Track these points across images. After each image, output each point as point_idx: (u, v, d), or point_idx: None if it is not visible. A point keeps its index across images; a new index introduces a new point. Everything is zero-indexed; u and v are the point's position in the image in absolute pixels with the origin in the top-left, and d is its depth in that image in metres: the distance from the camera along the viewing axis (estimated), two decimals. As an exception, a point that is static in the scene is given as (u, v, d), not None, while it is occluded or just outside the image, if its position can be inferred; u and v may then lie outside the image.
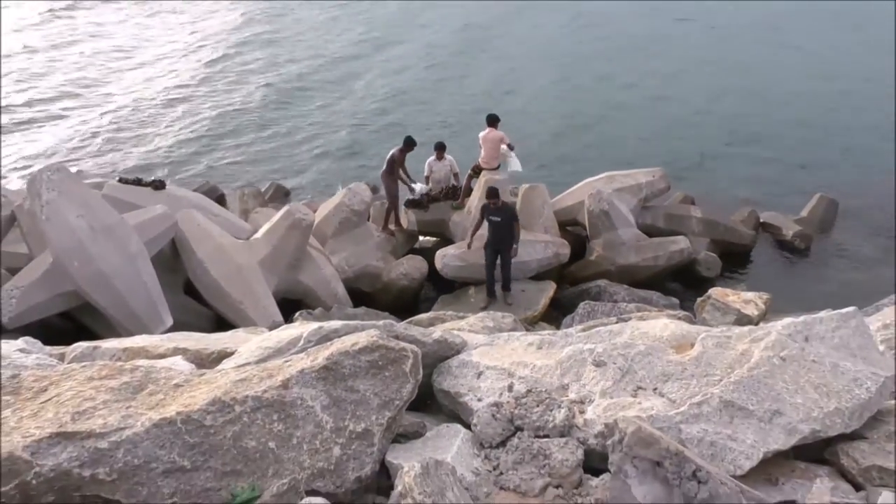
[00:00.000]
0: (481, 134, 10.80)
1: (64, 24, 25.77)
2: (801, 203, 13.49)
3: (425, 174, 11.28)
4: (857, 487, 3.21)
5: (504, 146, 10.80)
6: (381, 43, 24.22)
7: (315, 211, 10.56)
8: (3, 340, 4.19)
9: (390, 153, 10.78)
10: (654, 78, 20.73)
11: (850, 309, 3.91)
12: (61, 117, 17.81)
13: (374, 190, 12.16)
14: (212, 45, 23.68)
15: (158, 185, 10.10)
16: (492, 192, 9.14)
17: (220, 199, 12.82)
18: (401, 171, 10.82)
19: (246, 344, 4.07)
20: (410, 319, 7.01)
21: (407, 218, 11.22)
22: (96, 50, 23.14)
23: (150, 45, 23.72)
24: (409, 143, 10.72)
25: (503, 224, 9.22)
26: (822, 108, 18.54)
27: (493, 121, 10.83)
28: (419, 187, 11.07)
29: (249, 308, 8.44)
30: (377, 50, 23.58)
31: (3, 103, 18.17)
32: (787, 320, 3.81)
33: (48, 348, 4.47)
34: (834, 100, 19.07)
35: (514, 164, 10.96)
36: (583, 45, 23.95)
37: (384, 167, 10.84)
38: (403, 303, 9.90)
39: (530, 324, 8.76)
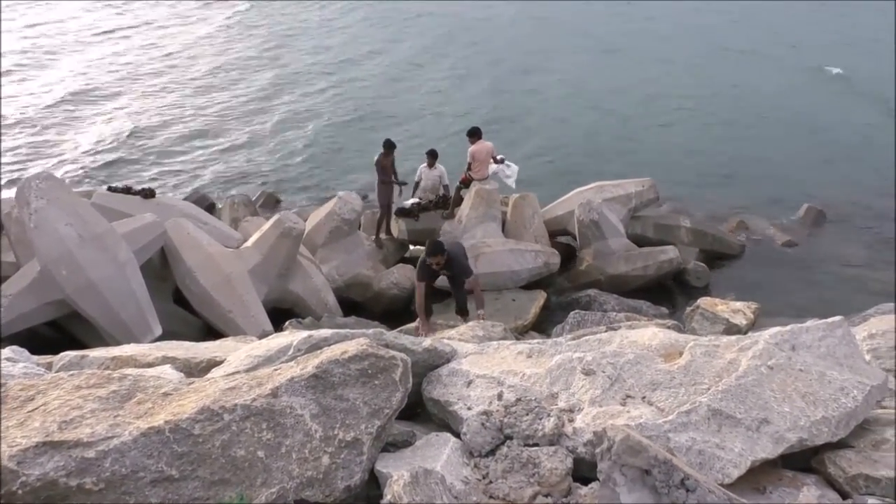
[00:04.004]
0: (471, 148, 10.79)
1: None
2: (790, 213, 13.65)
3: (416, 180, 11.31)
4: (844, 496, 3.23)
5: (493, 163, 10.85)
6: (371, 50, 24.40)
7: (305, 220, 10.55)
8: (-11, 349, 4.16)
9: (375, 161, 10.80)
10: (643, 87, 20.92)
11: (837, 318, 3.94)
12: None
13: (365, 198, 12.18)
14: (196, 51, 23.70)
15: (148, 193, 10.07)
16: (434, 249, 7.08)
17: (210, 208, 12.79)
18: (391, 174, 10.83)
19: (235, 353, 4.05)
20: (401, 328, 7.00)
21: (397, 227, 11.23)
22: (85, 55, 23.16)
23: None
24: (389, 146, 10.73)
25: (453, 281, 7.59)
26: (810, 118, 18.77)
27: (478, 133, 10.85)
28: (409, 202, 11.12)
29: (239, 317, 8.41)
30: (366, 56, 23.76)
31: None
32: (775, 329, 3.83)
33: (35, 357, 4.43)
34: (821, 109, 19.31)
35: (510, 183, 11.06)
36: (572, 54, 24.15)
37: (377, 177, 10.86)
38: (394, 312, 9.89)
39: (520, 333, 8.75)
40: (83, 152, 16.17)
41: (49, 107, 18.51)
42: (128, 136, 17.06)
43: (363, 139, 16.70)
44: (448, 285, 7.98)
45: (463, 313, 7.76)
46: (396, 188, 10.97)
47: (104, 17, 27.83)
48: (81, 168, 15.42)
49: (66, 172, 14.93)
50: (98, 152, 16.17)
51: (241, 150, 16.70)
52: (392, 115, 18.75)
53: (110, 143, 16.69)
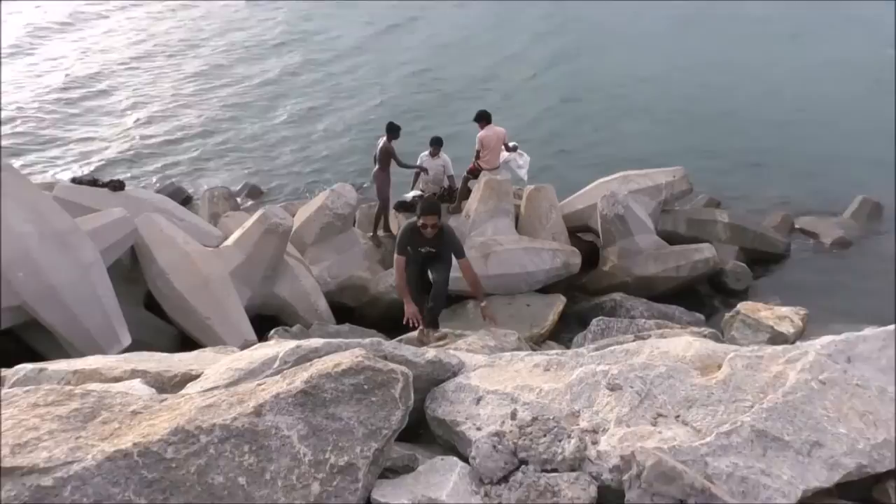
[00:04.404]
0: (480, 134, 10.76)
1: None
2: (842, 206, 13.56)
3: (416, 170, 11.35)
4: (909, 529, 3.20)
5: (505, 152, 10.83)
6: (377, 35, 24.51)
7: (293, 215, 10.56)
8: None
9: (379, 146, 10.78)
10: (676, 69, 20.87)
11: (899, 325, 3.91)
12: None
13: (360, 191, 12.21)
14: (187, 42, 23.88)
15: (117, 185, 10.08)
16: (430, 208, 6.71)
17: (187, 202, 12.83)
18: (398, 162, 10.81)
19: (214, 365, 4.05)
20: (401, 337, 6.99)
21: (397, 222, 11.23)
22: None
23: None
24: (393, 130, 10.69)
25: (437, 263, 7.13)
26: (865, 98, 18.65)
27: (487, 117, 10.79)
28: (410, 194, 11.13)
29: (218, 325, 8.43)
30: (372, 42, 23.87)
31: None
32: (827, 338, 3.80)
33: (-14, 371, 4.44)
34: (881, 88, 19.19)
35: (522, 175, 11.06)
36: (596, 34, 24.14)
37: (376, 165, 10.83)
38: (393, 318, 9.86)
39: (537, 342, 8.75)
40: (81, 142, 16.31)
41: (45, 95, 18.68)
42: (128, 128, 17.20)
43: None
44: (466, 289, 7.58)
45: (433, 324, 7.18)
46: (393, 180, 10.96)
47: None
48: (80, 162, 15.53)
49: (63, 168, 15.07)
50: (96, 146, 16.30)
51: (223, 140, 16.74)
52: (417, 108, 18.78)
53: (109, 135, 16.83)
